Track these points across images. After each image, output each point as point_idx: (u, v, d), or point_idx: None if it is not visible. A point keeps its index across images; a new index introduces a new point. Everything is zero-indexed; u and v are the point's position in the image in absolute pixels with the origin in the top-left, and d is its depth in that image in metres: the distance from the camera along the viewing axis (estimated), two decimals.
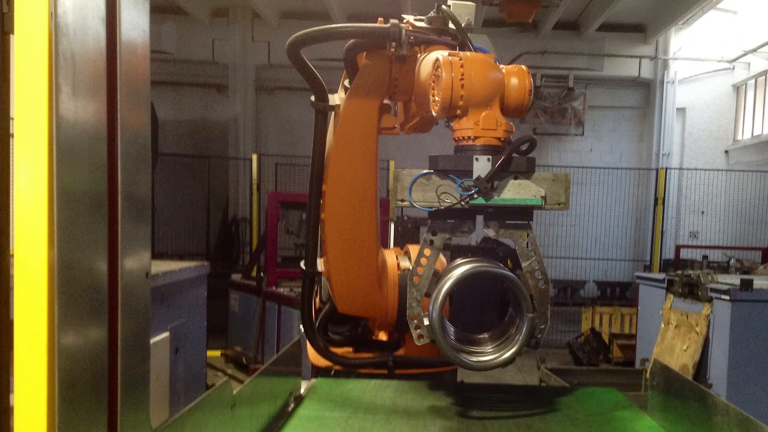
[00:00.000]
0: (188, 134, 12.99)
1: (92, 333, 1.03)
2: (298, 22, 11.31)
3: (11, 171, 1.11)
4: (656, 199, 10.61)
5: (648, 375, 2.12)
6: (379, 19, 2.00)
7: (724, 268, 9.37)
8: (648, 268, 10.82)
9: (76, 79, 0.98)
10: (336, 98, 2.23)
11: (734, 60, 12.73)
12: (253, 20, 12.23)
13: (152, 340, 2.28)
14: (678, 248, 10.56)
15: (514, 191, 1.65)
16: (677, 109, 12.93)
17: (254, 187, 10.42)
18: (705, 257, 10.06)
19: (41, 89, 0.92)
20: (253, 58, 12.39)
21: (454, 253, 1.75)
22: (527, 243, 1.69)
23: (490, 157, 1.62)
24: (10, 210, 1.21)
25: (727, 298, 4.91)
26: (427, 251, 1.69)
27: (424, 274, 1.68)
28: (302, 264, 2.34)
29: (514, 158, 1.64)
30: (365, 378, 2.39)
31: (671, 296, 5.70)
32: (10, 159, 1.17)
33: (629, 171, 12.85)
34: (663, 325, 5.73)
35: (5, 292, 1.23)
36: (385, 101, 2.14)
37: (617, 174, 12.54)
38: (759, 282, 5.17)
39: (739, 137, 13.24)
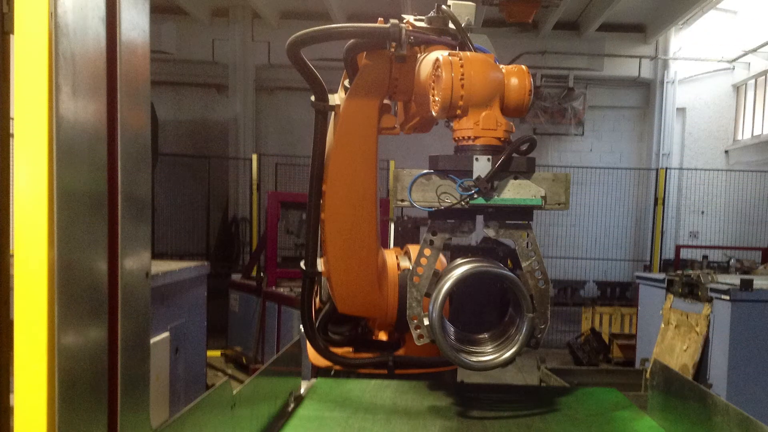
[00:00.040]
0: (188, 134, 12.99)
1: (92, 333, 1.03)
2: (298, 22, 11.31)
3: (11, 171, 1.11)
4: (656, 199, 10.61)
5: (648, 375, 2.12)
6: (379, 19, 2.00)
7: (724, 268, 9.37)
8: (648, 268, 10.82)
9: (76, 79, 0.98)
10: (336, 98, 2.23)
11: (734, 60, 12.73)
12: (253, 20, 12.23)
13: (152, 340, 2.28)
14: (678, 248, 10.56)
15: (514, 191, 1.65)
16: (677, 109, 12.93)
17: (254, 187, 10.42)
18: (705, 257, 10.07)
19: (41, 89, 0.92)
20: (253, 58, 12.39)
21: (454, 253, 1.75)
22: (527, 243, 1.69)
23: (490, 157, 1.62)
24: (10, 210, 1.21)
25: (727, 298, 4.91)
26: (427, 251, 1.69)
27: (424, 274, 1.68)
28: (302, 264, 2.34)
29: (514, 158, 1.64)
30: (365, 378, 2.39)
31: (671, 296, 5.70)
32: (10, 159, 1.17)
33: (629, 171, 12.85)
34: (663, 325, 5.73)
35: (5, 292, 1.23)
36: (385, 101, 2.14)
37: (617, 174, 12.55)
38: (759, 282, 5.17)
39: (739, 137, 13.25)
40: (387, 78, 2.05)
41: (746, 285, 4.91)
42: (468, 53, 1.70)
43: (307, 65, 2.11)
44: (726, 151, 13.31)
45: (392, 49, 1.89)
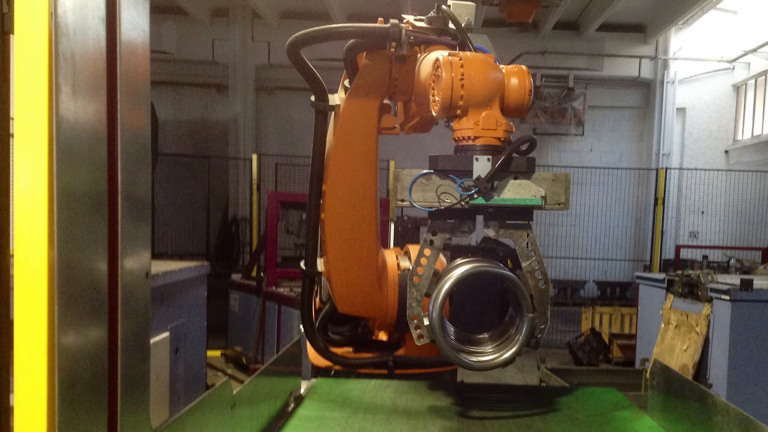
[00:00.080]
0: (188, 134, 12.99)
1: (92, 333, 1.03)
2: (298, 22, 11.31)
3: (11, 171, 1.11)
4: (656, 199, 10.61)
5: (648, 375, 2.12)
6: (379, 19, 2.00)
7: (724, 268, 9.37)
8: (648, 268, 10.82)
9: (76, 79, 0.98)
10: (336, 98, 2.23)
11: (734, 60, 12.73)
12: (253, 20, 12.23)
13: (152, 340, 2.28)
14: (678, 248, 10.56)
15: (514, 191, 1.65)
16: (677, 109, 12.94)
17: (254, 187, 10.42)
18: (705, 257, 10.07)
19: (41, 89, 0.92)
20: (253, 58, 12.40)
21: (454, 253, 1.75)
22: (527, 243, 1.69)
23: (490, 157, 1.62)
24: (10, 210, 1.21)
25: (727, 298, 4.91)
26: (427, 251, 1.69)
27: (424, 274, 1.68)
28: (302, 264, 2.34)
29: (514, 158, 1.64)
30: (365, 378, 2.39)
31: (671, 296, 5.70)
32: (10, 159, 1.17)
33: (629, 171, 12.85)
34: (663, 325, 5.73)
35: (5, 292, 1.23)
36: (385, 101, 2.14)
37: (617, 174, 12.55)
38: (759, 282, 5.17)
39: (739, 137, 13.25)
40: (387, 78, 2.05)
41: (746, 285, 4.91)
42: (468, 53, 1.70)
43: (307, 65, 2.11)
44: (726, 151, 13.31)
45: (392, 49, 1.89)
